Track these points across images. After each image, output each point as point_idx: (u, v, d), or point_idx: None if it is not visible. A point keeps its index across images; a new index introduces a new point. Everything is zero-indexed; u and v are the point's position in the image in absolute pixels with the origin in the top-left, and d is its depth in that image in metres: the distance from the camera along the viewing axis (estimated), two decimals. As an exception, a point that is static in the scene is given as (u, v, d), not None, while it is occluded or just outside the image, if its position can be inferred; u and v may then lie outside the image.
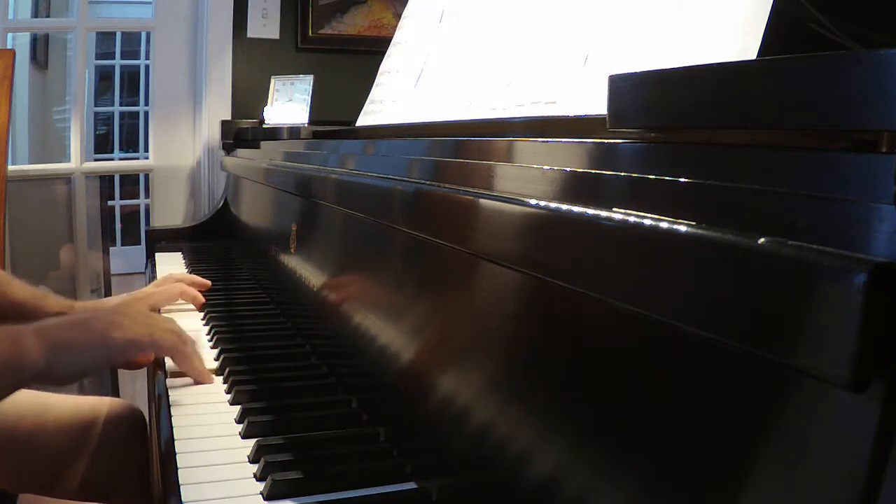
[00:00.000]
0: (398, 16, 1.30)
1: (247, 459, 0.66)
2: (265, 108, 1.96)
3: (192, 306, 1.19)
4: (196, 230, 1.93)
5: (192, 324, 1.11)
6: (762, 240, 0.28)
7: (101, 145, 4.13)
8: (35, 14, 2.94)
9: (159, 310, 1.17)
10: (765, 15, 0.48)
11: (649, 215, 0.35)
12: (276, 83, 1.97)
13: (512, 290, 0.50)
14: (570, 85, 0.67)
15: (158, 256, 1.70)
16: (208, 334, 1.05)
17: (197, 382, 0.85)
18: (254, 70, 2.15)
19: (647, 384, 0.37)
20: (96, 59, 3.98)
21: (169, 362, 0.88)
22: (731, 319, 0.29)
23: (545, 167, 0.47)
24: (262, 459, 0.63)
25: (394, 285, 0.73)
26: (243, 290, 1.33)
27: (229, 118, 2.11)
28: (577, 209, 0.40)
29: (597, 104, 0.62)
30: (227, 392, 0.81)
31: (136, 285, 1.41)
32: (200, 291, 1.21)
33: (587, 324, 0.42)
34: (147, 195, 2.32)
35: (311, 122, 1.91)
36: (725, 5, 0.53)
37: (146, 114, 2.56)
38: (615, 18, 0.65)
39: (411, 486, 0.62)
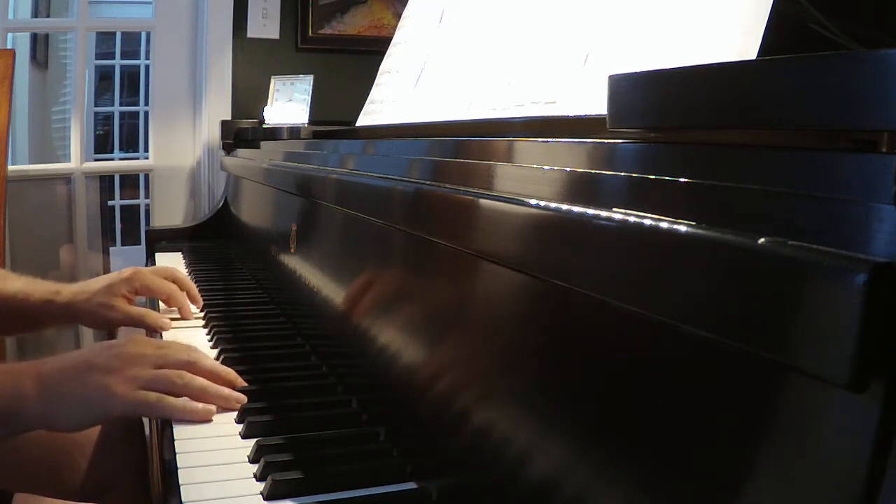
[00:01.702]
0: (398, 16, 1.30)
1: (247, 459, 0.66)
2: (265, 108, 1.96)
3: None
4: (196, 230, 1.93)
5: (193, 324, 1.11)
6: (762, 240, 0.28)
7: (101, 145, 4.13)
8: (35, 14, 2.94)
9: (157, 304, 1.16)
10: (765, 15, 0.48)
11: (649, 215, 0.35)
12: (276, 83, 1.97)
13: (512, 291, 0.50)
14: (570, 85, 0.67)
15: (158, 256, 1.70)
16: (208, 334, 1.05)
17: (221, 408, 0.75)
18: (254, 70, 2.15)
19: (646, 384, 0.37)
20: (96, 59, 3.98)
21: None
22: (731, 319, 0.29)
23: (545, 167, 0.47)
24: (262, 459, 0.63)
25: (394, 285, 0.73)
26: (243, 290, 1.33)
27: (229, 118, 2.11)
28: (577, 209, 0.40)
29: (597, 104, 0.62)
30: (227, 392, 0.81)
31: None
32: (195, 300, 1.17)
33: (587, 324, 0.42)
34: (147, 195, 2.32)
35: (311, 122, 1.91)
36: (725, 5, 0.53)
37: (146, 114, 2.55)
38: (615, 18, 0.65)
39: (411, 486, 0.62)
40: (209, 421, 0.74)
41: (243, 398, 0.77)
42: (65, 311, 1.01)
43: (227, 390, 0.77)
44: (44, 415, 0.69)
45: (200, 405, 0.74)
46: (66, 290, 1.02)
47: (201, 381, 0.75)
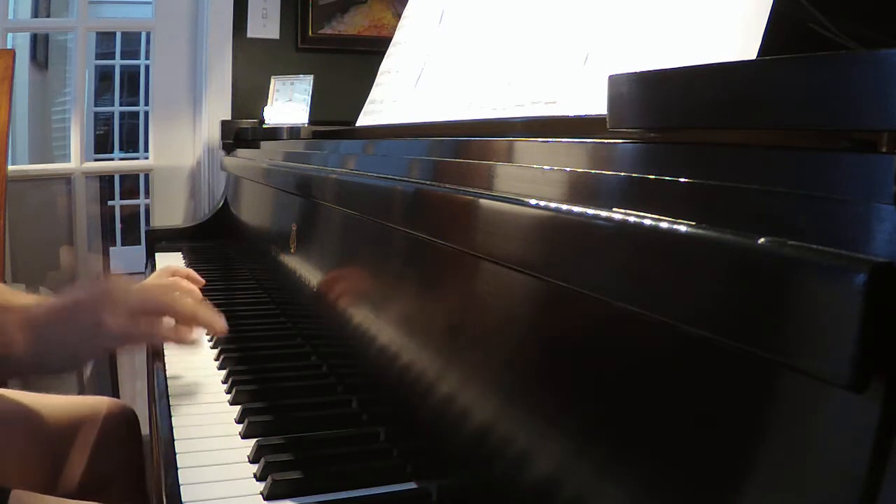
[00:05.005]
0: (398, 16, 1.30)
1: (247, 459, 0.66)
2: (265, 108, 1.96)
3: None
4: (196, 230, 1.93)
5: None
6: (762, 240, 0.28)
7: (101, 145, 4.13)
8: (35, 14, 2.94)
9: None
10: (765, 15, 0.48)
11: (649, 215, 0.35)
12: (276, 83, 1.97)
13: (512, 291, 0.50)
14: (570, 85, 0.67)
15: (158, 256, 1.70)
16: (208, 334, 1.05)
17: (210, 331, 0.82)
18: (254, 70, 2.15)
19: (646, 384, 0.37)
20: (96, 59, 3.98)
21: (169, 369, 0.88)
22: (731, 319, 0.29)
23: (545, 167, 0.47)
24: (262, 459, 0.63)
25: (394, 285, 0.73)
26: (243, 290, 1.33)
27: (229, 118, 2.10)
28: (577, 209, 0.40)
29: (597, 104, 0.62)
30: (227, 392, 0.81)
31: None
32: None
33: (587, 324, 0.42)
34: (147, 195, 2.32)
35: (311, 122, 1.91)
36: (725, 5, 0.53)
37: (146, 114, 2.56)
38: (615, 18, 0.65)
39: (411, 486, 0.62)
40: (197, 345, 0.80)
41: (224, 326, 0.82)
42: None
43: (210, 313, 0.81)
44: (34, 358, 0.70)
45: (185, 333, 0.78)
46: None
47: (188, 303, 0.80)
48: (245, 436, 0.70)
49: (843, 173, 0.28)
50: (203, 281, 1.23)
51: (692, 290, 0.31)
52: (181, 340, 0.78)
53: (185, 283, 1.19)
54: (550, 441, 0.44)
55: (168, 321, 0.80)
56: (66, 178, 2.15)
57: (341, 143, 1.15)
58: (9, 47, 2.08)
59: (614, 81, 0.40)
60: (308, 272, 1.03)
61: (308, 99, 1.93)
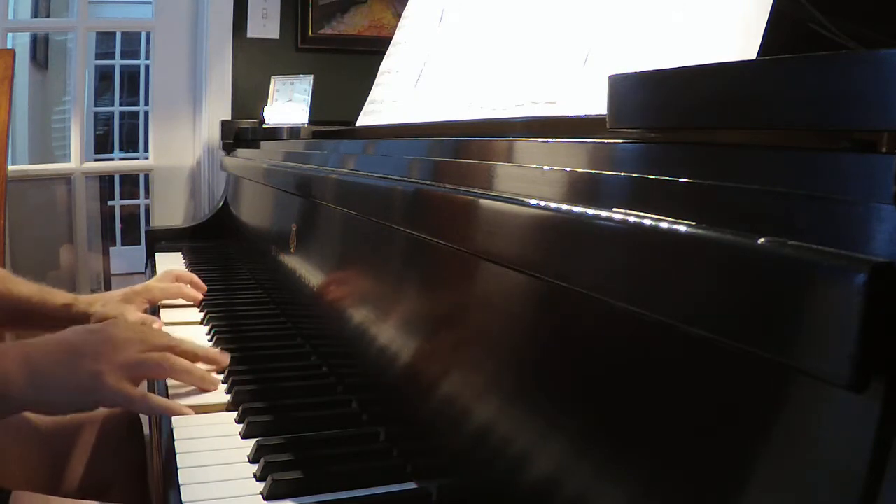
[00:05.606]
0: (398, 16, 1.30)
1: (247, 459, 0.66)
2: (265, 108, 1.96)
3: (190, 303, 1.22)
4: (196, 230, 1.93)
5: (192, 323, 1.11)
6: (762, 240, 0.28)
7: (101, 145, 4.12)
8: (35, 14, 2.94)
9: (158, 307, 1.18)
10: (765, 15, 0.48)
11: (649, 215, 0.35)
12: (276, 83, 1.97)
13: (511, 291, 0.50)
14: (570, 85, 0.67)
15: (158, 256, 1.70)
16: (208, 334, 1.05)
17: (202, 389, 0.81)
18: (254, 70, 2.15)
19: (646, 384, 0.37)
20: (96, 59, 3.98)
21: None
22: (731, 319, 0.29)
23: (545, 167, 0.47)
24: (262, 459, 0.63)
25: (394, 285, 0.73)
26: (243, 290, 1.33)
27: (229, 118, 2.11)
28: (577, 209, 0.40)
29: (597, 104, 0.62)
30: (228, 392, 0.81)
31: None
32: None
33: (587, 324, 0.42)
34: (147, 195, 2.32)
35: (311, 122, 1.91)
36: (725, 5, 0.53)
37: (146, 114, 2.56)
38: (615, 18, 0.65)
39: (411, 486, 0.62)
40: (188, 412, 0.76)
41: (218, 380, 0.82)
42: (82, 317, 1.05)
43: (203, 372, 0.81)
44: (32, 398, 0.69)
45: (178, 405, 0.76)
46: (83, 299, 1.09)
47: (183, 363, 0.79)
48: (245, 436, 0.70)
49: (843, 173, 0.28)
50: (205, 287, 1.24)
51: (692, 290, 0.31)
52: (169, 415, 0.76)
53: (189, 290, 1.20)
54: (550, 441, 0.44)
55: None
56: (66, 178, 2.15)
57: (341, 143, 1.15)
58: (9, 47, 2.08)
59: (614, 81, 0.40)
60: (308, 272, 1.03)
61: (308, 99, 1.93)
